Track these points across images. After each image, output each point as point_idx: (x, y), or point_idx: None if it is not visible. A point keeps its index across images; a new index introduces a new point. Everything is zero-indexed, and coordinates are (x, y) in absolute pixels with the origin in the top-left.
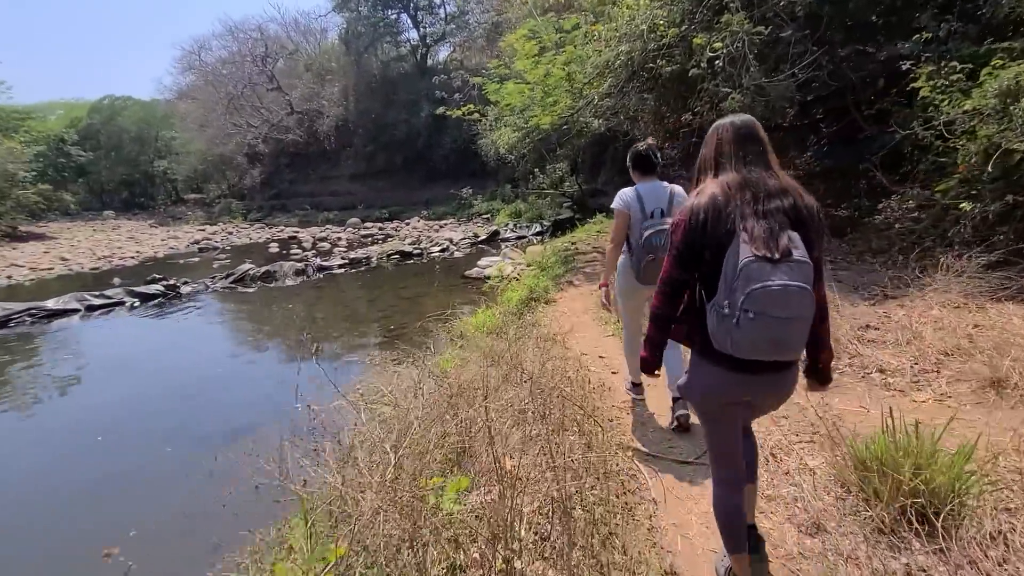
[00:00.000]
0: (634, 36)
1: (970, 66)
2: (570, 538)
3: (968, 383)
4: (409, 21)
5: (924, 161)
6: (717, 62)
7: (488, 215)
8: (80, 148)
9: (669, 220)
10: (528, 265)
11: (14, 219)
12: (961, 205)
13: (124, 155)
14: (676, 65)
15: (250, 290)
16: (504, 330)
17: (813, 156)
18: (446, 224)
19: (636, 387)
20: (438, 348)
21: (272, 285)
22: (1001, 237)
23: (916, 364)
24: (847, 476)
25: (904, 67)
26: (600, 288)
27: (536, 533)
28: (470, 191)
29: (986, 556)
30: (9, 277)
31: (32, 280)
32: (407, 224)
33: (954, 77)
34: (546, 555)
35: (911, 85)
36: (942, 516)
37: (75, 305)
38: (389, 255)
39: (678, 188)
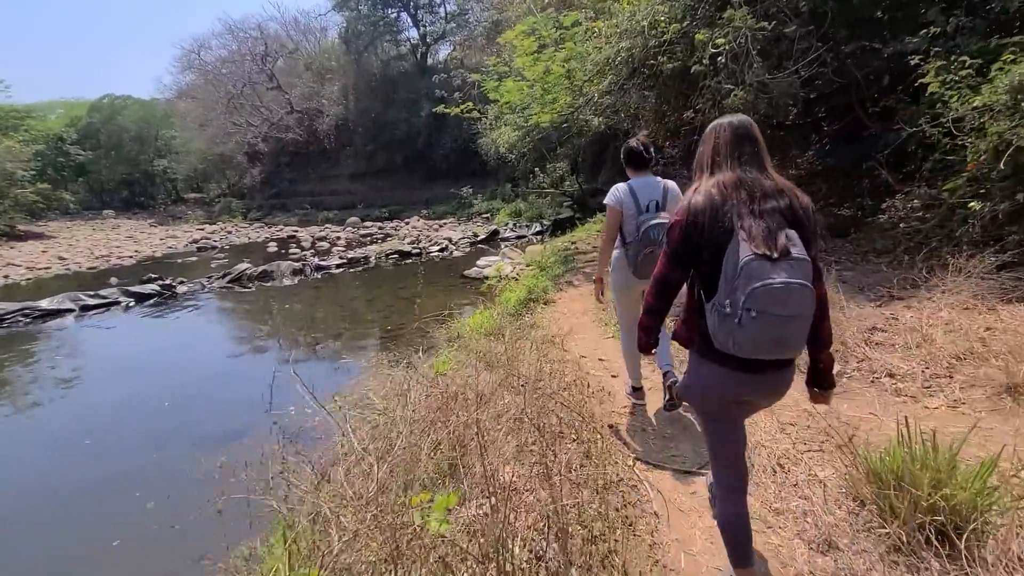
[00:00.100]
0: (635, 32)
1: (979, 61)
2: (567, 557)
3: (983, 389)
4: (409, 20)
5: (930, 159)
6: (719, 58)
7: (488, 214)
8: (80, 147)
9: (665, 214)
10: (527, 265)
11: (12, 218)
12: (970, 204)
13: (124, 154)
14: (678, 62)
15: (247, 290)
16: (502, 332)
17: (815, 154)
18: (446, 223)
19: (636, 391)
20: (434, 350)
21: (269, 285)
22: (1012, 237)
23: (927, 368)
24: (860, 490)
25: (912, 62)
26: (595, 281)
27: (531, 551)
28: (470, 190)
29: None
30: (6, 276)
31: (29, 279)
32: (407, 223)
33: (963, 73)
34: None
35: (919, 81)
36: (965, 535)
37: (69, 305)
38: (388, 255)
39: (671, 183)
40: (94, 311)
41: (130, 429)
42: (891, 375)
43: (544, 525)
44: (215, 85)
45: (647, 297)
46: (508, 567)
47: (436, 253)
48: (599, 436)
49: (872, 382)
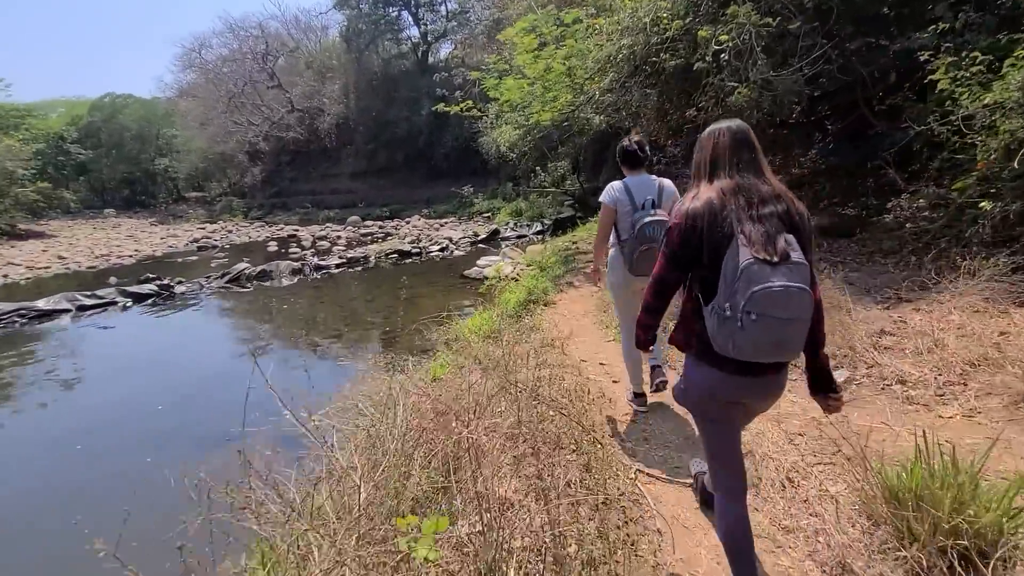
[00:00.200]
0: (636, 29)
1: (990, 58)
2: None
3: (999, 397)
4: (410, 18)
5: (938, 158)
6: (723, 55)
7: (489, 213)
8: (81, 146)
9: (662, 211)
10: (528, 265)
11: (13, 217)
12: (980, 204)
13: (125, 153)
14: (680, 59)
15: (245, 290)
16: (501, 335)
17: (819, 153)
18: (447, 223)
19: (639, 397)
20: (432, 353)
21: (268, 285)
22: None
23: (940, 375)
24: (876, 508)
25: (921, 59)
26: (592, 273)
27: (527, 575)
28: (471, 189)
29: None
30: (5, 276)
31: (28, 279)
32: (407, 223)
33: (974, 69)
34: None
35: (929, 78)
36: (992, 563)
37: (66, 305)
38: (387, 254)
39: (667, 181)
40: (91, 311)
41: (119, 433)
42: (902, 382)
43: (542, 548)
44: (216, 84)
45: (646, 295)
46: None
47: (436, 253)
48: (600, 446)
49: (882, 389)
